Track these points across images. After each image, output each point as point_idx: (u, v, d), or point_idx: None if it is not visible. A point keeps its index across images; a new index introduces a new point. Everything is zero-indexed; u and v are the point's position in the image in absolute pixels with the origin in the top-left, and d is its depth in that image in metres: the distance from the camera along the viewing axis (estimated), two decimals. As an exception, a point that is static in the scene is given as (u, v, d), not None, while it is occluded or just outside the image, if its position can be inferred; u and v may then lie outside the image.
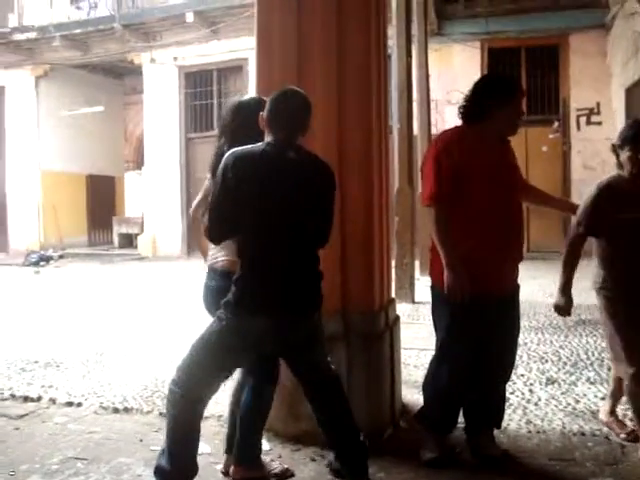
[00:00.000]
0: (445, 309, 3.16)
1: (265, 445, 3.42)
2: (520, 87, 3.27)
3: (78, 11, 15.58)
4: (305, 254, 2.71)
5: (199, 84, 14.57)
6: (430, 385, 3.35)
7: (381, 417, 3.59)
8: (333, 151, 3.44)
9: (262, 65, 3.69)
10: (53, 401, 4.31)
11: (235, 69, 13.94)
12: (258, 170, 2.58)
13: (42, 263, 13.91)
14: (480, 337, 3.14)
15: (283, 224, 2.62)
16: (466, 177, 3.03)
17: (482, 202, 3.06)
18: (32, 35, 15.29)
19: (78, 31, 14.85)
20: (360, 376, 3.45)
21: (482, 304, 3.07)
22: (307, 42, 3.53)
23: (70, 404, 4.25)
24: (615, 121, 12.21)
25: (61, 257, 14.88)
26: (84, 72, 16.93)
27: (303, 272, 2.71)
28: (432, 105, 10.87)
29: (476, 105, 3.11)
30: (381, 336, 3.59)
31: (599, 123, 12.68)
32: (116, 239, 17.39)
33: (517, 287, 3.31)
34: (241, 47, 13.25)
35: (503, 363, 3.30)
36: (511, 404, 3.98)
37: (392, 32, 7.50)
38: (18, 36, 15.43)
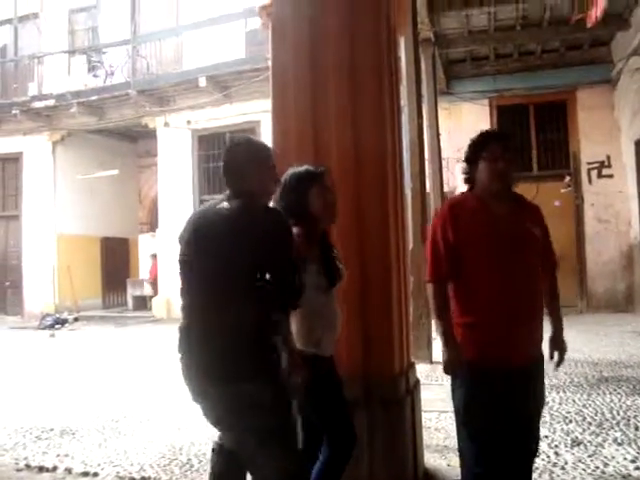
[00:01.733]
0: (458, 390, 2.98)
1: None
2: (493, 134, 3.08)
3: (95, 79, 15.98)
4: (230, 313, 2.44)
5: (212, 146, 14.81)
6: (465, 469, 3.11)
7: (404, 484, 3.50)
8: (352, 213, 3.47)
9: (278, 125, 3.74)
10: (69, 471, 4.24)
11: (247, 132, 14.16)
12: (185, 230, 2.69)
13: (57, 326, 13.91)
14: (499, 413, 2.90)
15: (202, 283, 2.51)
16: (464, 249, 2.90)
17: (482, 272, 2.90)
18: (50, 103, 15.67)
19: (94, 98, 15.22)
20: (382, 442, 3.39)
21: (494, 378, 2.86)
22: (321, 102, 3.61)
23: (86, 474, 4.18)
24: (626, 173, 12.25)
25: (76, 320, 14.88)
26: (99, 137, 17.28)
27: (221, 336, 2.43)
28: (443, 163, 10.96)
29: (465, 168, 3.05)
30: (402, 401, 3.54)
31: (611, 176, 12.71)
32: (130, 301, 17.42)
33: (539, 356, 3.00)
34: (253, 110, 13.51)
35: (531, 439, 3.02)
36: (537, 467, 3.87)
37: (403, 92, 7.63)
38: (37, 104, 15.83)
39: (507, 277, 2.88)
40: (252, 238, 2.46)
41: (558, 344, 3.04)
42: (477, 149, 2.95)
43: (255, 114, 13.50)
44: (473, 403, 2.91)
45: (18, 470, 4.30)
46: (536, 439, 3.08)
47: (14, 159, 17.08)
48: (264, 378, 2.43)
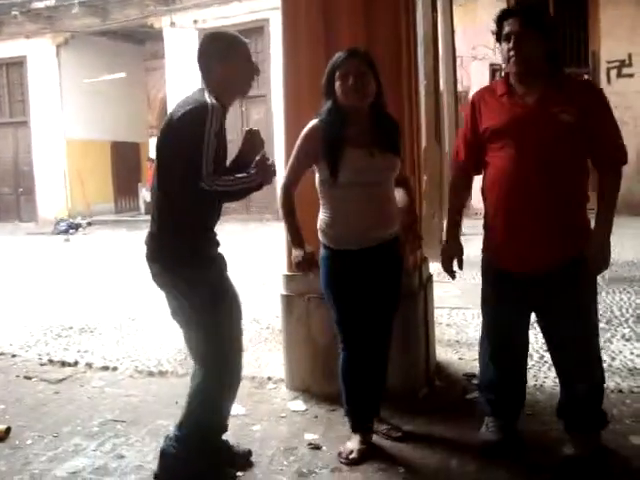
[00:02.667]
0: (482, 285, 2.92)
1: (301, 405, 3.44)
2: (510, 11, 2.73)
3: (96, -24, 15.42)
4: (161, 205, 2.56)
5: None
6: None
7: (416, 376, 3.57)
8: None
9: (288, 26, 3.59)
10: (89, 366, 4.37)
11: (256, 30, 13.74)
12: None
13: (71, 231, 14.06)
14: (511, 320, 2.83)
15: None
16: (486, 140, 2.72)
17: (496, 168, 2.68)
18: (51, 3, 15.21)
19: (97, -3, 14.76)
20: (395, 335, 3.42)
21: (507, 281, 2.73)
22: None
23: (106, 368, 4.30)
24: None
25: (89, 224, 15.02)
26: (104, 39, 16.85)
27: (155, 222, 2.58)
28: (457, 61, 10.64)
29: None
30: (416, 294, 3.56)
31: (631, 75, 12.34)
32: (142, 205, 17.47)
33: (568, 263, 2.63)
34: (262, 7, 13.06)
35: (569, 359, 2.76)
36: (546, 361, 3.93)
37: (416, -14, 7.31)
38: (37, 4, 15.36)
39: (520, 176, 2.59)
40: (169, 136, 2.50)
41: (590, 254, 2.61)
42: (497, 26, 2.69)
43: (264, 12, 13.06)
44: (485, 299, 2.92)
45: (42, 365, 4.43)
46: (581, 361, 2.75)
47: (18, 63, 16.77)
48: (191, 269, 2.53)
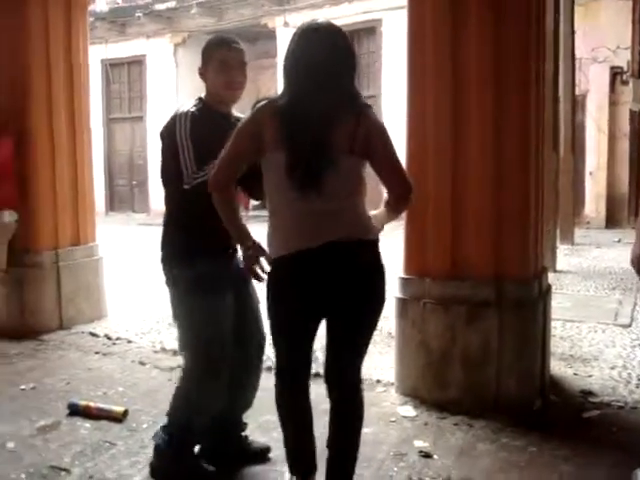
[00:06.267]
0: None
1: (411, 411, 3.39)
2: None
3: (214, -22, 15.90)
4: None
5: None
6: None
7: (531, 387, 3.45)
8: (489, 113, 3.31)
9: (414, 26, 3.55)
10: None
11: (368, 31, 13.74)
12: None
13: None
14: None
15: None
16: None
17: None
18: (171, 4, 15.82)
19: (214, -2, 15.22)
20: (511, 344, 3.33)
21: None
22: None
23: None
24: None
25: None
26: (219, 39, 17.33)
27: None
28: (576, 64, 10.25)
29: None
30: (535, 303, 3.44)
31: None
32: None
33: None
34: (375, 8, 13.03)
35: None
36: None
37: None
38: (159, 6, 16.02)
39: None
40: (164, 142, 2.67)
41: None
42: None
43: (376, 12, 13.03)
44: None
45: (155, 352, 4.59)
46: None
47: (138, 62, 17.52)
48: (174, 264, 2.64)
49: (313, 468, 2.41)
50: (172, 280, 2.67)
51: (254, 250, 2.39)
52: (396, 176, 2.29)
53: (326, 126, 2.17)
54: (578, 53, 10.52)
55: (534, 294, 3.45)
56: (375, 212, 2.37)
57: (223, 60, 2.60)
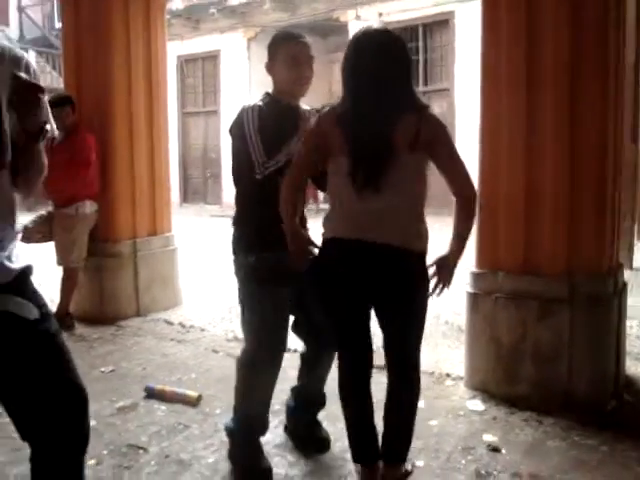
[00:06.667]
0: None
1: (479, 405, 3.38)
2: None
3: (287, -27, 16.03)
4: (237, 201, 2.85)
5: (404, 40, 14.43)
6: None
7: (605, 387, 3.38)
8: (565, 104, 3.25)
9: (489, 17, 3.51)
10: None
11: (441, 23, 13.57)
12: None
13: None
14: None
15: None
16: None
17: None
18: (245, 0, 16.04)
19: (287, -7, 15.34)
20: (584, 342, 3.27)
21: None
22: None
23: (289, 350, 4.46)
24: None
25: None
26: (291, 33, 17.46)
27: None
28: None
29: None
30: (609, 300, 3.36)
31: None
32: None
33: None
34: (447, 0, 12.86)
35: None
36: None
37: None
38: (232, 2, 16.26)
39: None
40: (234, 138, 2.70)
41: None
42: None
43: (449, 4, 12.86)
44: None
45: (228, 340, 4.71)
46: None
47: (212, 57, 17.83)
48: (242, 253, 2.69)
49: (376, 455, 2.47)
50: (237, 267, 2.74)
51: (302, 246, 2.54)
52: (460, 176, 2.33)
53: (387, 127, 2.26)
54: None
55: (608, 291, 3.37)
56: (447, 250, 2.41)
57: (291, 55, 2.64)
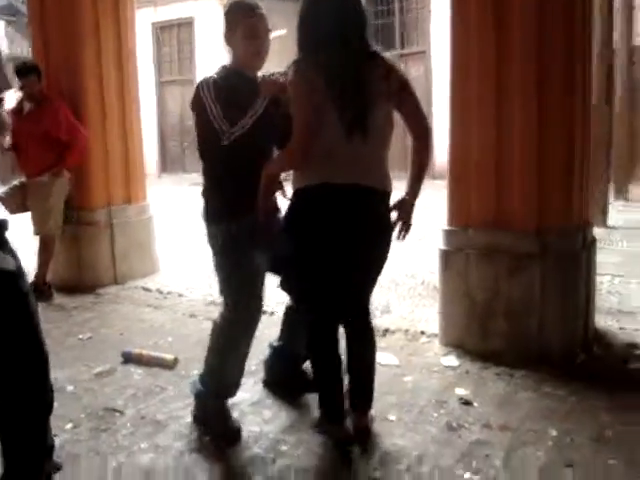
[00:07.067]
0: None
1: (454, 361, 3.44)
2: None
3: None
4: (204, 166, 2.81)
5: (379, 2, 14.25)
6: None
7: (574, 340, 3.46)
8: (532, 59, 3.26)
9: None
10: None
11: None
12: None
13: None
14: None
15: None
16: None
17: None
18: (218, -36, 15.76)
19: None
20: (554, 296, 3.34)
21: None
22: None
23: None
24: None
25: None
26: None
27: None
28: (637, 14, 9.84)
29: None
30: (578, 256, 3.43)
31: None
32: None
33: None
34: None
35: None
36: None
37: None
38: (205, -35, 15.99)
39: None
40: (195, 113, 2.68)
41: None
42: None
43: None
44: None
45: (206, 304, 4.70)
46: None
47: (187, 24, 17.57)
48: (214, 223, 2.72)
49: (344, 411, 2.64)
50: (210, 236, 2.77)
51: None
52: (421, 116, 2.52)
53: (363, 74, 2.42)
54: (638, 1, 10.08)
55: (577, 246, 3.43)
56: (406, 189, 2.58)
57: (250, 29, 2.62)
